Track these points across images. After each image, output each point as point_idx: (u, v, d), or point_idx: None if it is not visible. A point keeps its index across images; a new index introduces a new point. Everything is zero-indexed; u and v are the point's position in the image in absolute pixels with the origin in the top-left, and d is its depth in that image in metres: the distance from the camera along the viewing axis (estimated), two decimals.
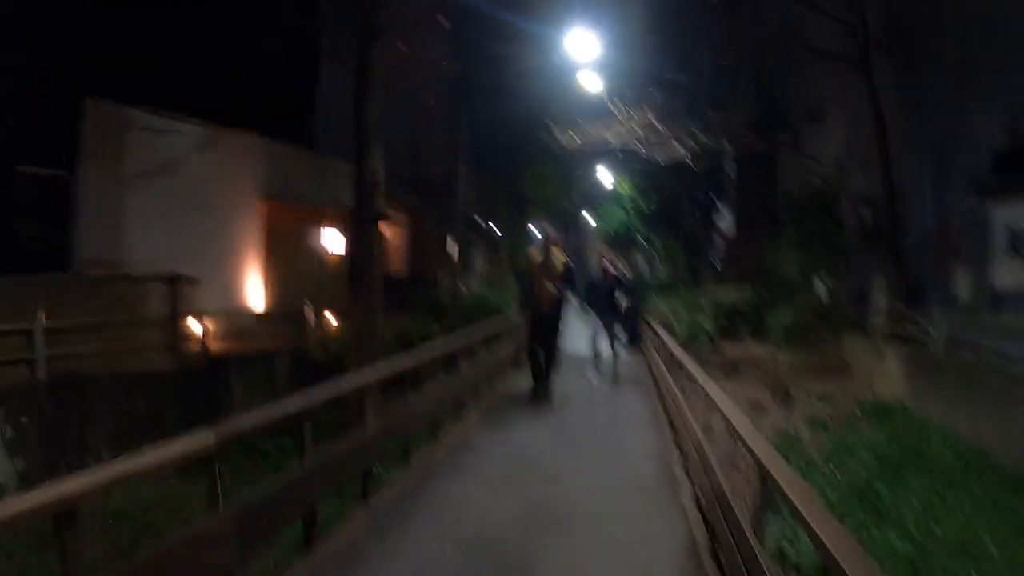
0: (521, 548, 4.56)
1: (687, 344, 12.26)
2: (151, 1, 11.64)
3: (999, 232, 10.78)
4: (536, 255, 9.96)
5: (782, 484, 3.05)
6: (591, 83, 13.40)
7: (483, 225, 25.12)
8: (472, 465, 6.56)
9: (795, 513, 2.82)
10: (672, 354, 8.45)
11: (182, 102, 11.94)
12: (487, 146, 21.35)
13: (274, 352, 11.36)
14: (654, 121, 12.84)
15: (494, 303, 16.58)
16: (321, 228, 15.62)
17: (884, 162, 11.92)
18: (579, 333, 12.61)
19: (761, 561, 3.24)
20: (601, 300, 11.36)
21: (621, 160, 21.03)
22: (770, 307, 14.34)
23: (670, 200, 23.88)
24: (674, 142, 13.28)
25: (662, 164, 14.78)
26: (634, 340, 13.54)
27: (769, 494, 3.38)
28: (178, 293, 10.04)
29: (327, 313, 13.26)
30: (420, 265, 21.51)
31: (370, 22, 9.02)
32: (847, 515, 5.51)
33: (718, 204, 21.79)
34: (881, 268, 12.32)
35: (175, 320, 9.98)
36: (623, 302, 11.61)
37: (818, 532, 2.49)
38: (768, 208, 16.89)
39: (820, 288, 14.67)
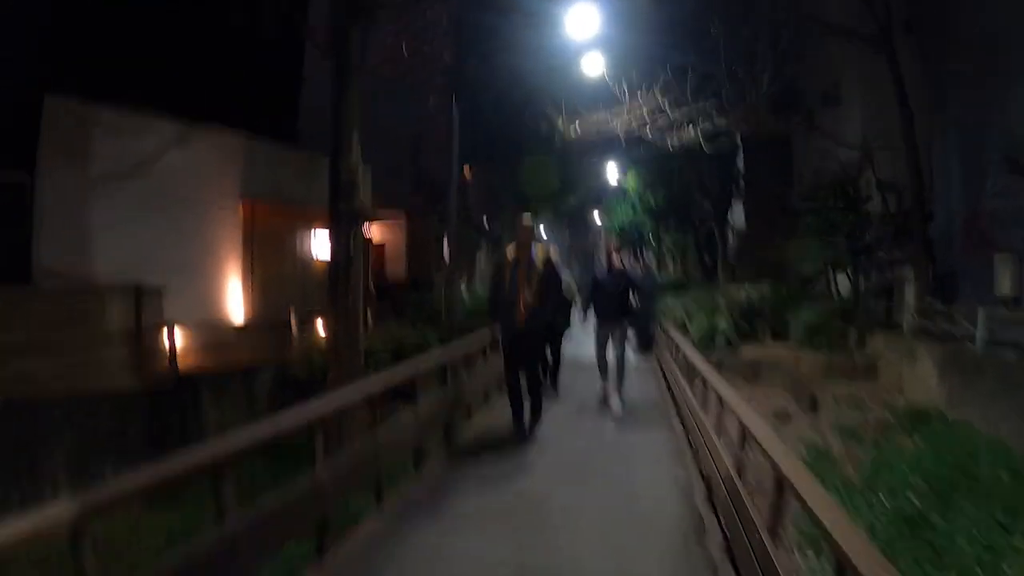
0: None
1: (702, 346, 11.51)
2: None
3: None
4: (510, 252, 7.65)
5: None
6: (594, 66, 12.52)
7: (486, 226, 24.40)
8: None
9: None
10: (704, 378, 6.74)
11: (156, 97, 11.10)
12: (487, 142, 20.60)
13: (253, 367, 10.51)
14: (663, 103, 11.93)
15: None
16: (309, 230, 14.78)
17: (910, 146, 11.09)
18: (579, 343, 11.47)
19: None
20: (609, 305, 9.23)
21: (627, 150, 20.11)
22: (790, 305, 13.52)
23: (679, 193, 23.07)
24: (686, 125, 12.37)
25: (671, 150, 13.88)
26: (647, 346, 12.65)
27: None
28: (143, 305, 9.20)
29: (316, 322, 12.38)
30: (421, 269, 20.75)
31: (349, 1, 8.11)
32: (900, 554, 4.65)
33: (731, 194, 20.95)
34: (910, 259, 11.51)
35: (140, 335, 9.14)
36: (634, 303, 9.54)
37: None
38: (783, 197, 16.05)
39: (842, 283, 13.85)
